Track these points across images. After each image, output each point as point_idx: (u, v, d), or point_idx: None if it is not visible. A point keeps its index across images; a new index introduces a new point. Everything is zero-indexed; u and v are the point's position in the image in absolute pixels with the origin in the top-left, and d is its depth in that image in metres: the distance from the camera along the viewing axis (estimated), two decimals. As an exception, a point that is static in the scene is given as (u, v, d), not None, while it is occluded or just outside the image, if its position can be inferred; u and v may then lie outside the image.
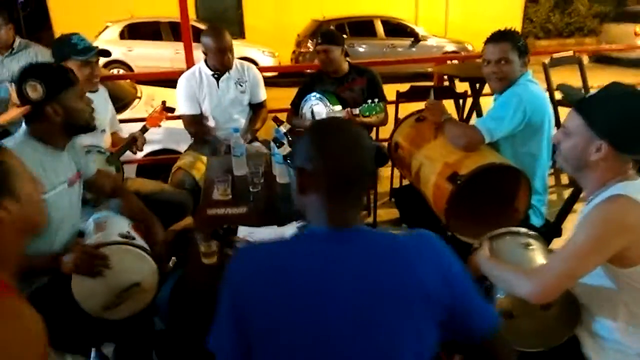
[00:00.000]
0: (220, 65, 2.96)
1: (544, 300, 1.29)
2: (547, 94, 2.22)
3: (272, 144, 2.36)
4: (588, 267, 1.26)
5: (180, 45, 3.93)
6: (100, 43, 8.66)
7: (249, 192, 2.21)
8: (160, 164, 3.56)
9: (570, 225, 1.95)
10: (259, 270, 0.95)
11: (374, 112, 2.73)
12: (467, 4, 14.20)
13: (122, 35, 10.09)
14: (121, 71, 9.45)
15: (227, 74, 3.02)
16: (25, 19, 13.80)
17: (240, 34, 12.08)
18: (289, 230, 1.78)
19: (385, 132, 3.45)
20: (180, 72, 3.13)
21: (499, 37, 2.17)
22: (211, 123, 3.07)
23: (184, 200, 2.66)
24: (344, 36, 10.22)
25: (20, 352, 0.90)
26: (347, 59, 3.15)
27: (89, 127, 1.85)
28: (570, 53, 4.15)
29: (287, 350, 0.92)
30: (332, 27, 10.60)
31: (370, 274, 0.92)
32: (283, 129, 2.07)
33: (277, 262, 0.96)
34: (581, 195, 2.38)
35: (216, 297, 0.97)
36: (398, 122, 2.61)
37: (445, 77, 4.09)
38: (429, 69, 9.74)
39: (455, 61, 5.40)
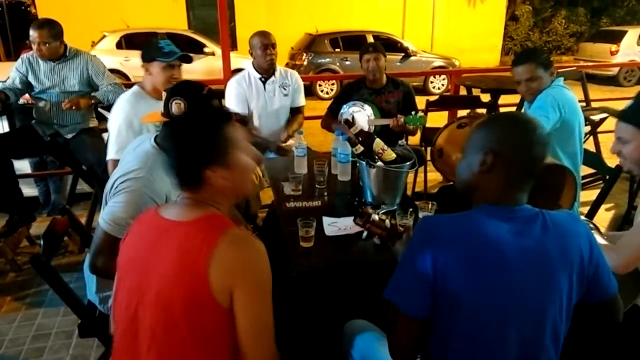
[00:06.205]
0: (265, 61, 3.17)
1: (627, 271, 1.53)
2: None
3: (333, 146, 2.57)
4: None
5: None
6: (97, 52, 8.73)
7: (315, 187, 2.41)
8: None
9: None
10: (456, 236, 1.12)
11: (417, 123, 2.96)
12: (452, 21, 14.72)
13: (119, 45, 10.16)
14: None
15: (272, 77, 3.24)
16: (14, 28, 13.72)
17: (232, 46, 12.27)
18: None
19: (413, 139, 3.70)
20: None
21: (524, 59, 2.47)
22: (256, 123, 3.27)
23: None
24: (337, 50, 10.71)
25: (267, 260, 1.16)
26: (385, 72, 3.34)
27: None
28: (573, 68, 4.50)
29: (478, 305, 1.09)
30: (326, 41, 10.91)
31: (542, 243, 1.12)
32: (354, 131, 2.26)
33: (470, 231, 1.12)
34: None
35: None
36: (440, 129, 2.84)
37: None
38: (415, 83, 10.16)
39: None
